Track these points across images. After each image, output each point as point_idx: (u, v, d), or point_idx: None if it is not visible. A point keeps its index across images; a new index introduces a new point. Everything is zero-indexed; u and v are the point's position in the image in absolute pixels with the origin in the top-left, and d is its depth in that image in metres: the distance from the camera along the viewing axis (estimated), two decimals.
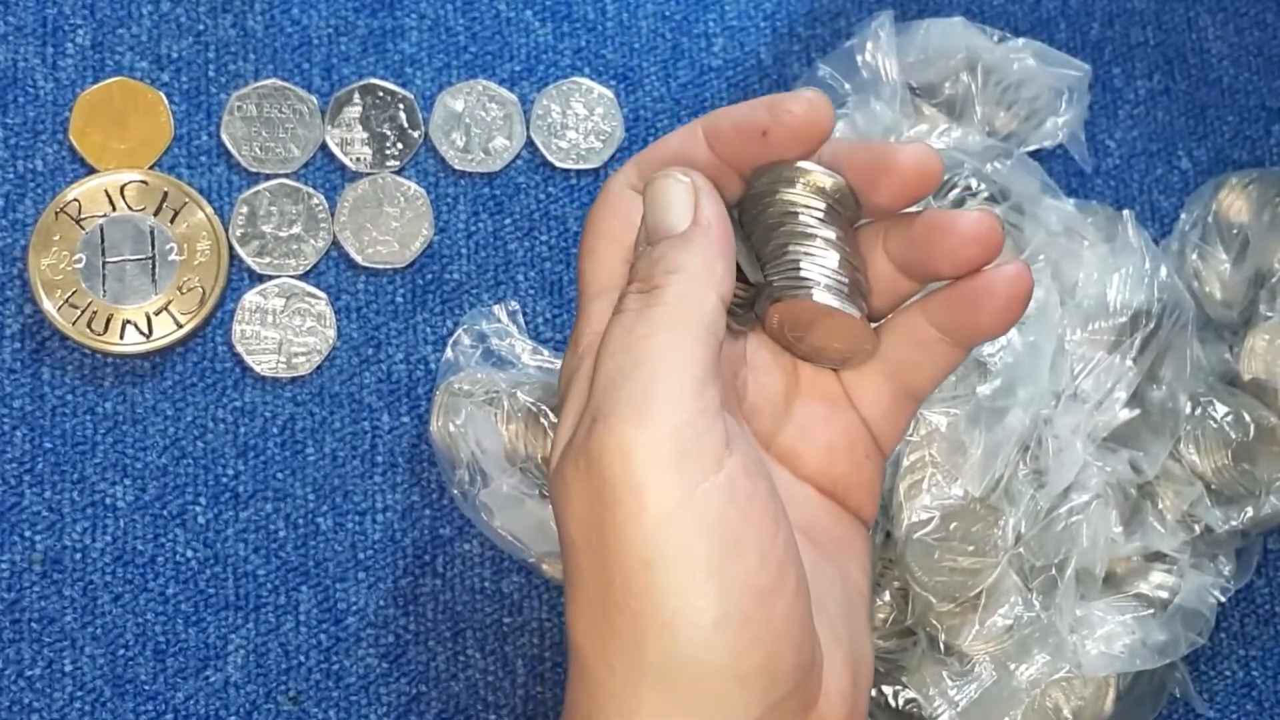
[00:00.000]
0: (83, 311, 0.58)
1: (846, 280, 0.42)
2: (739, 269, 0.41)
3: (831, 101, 0.41)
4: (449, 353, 0.58)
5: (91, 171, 0.59)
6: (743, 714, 0.37)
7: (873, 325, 0.43)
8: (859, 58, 0.57)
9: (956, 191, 0.57)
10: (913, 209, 0.44)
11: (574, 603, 0.38)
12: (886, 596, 0.55)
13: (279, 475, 0.58)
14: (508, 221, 0.61)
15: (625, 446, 0.37)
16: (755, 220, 0.42)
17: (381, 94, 0.61)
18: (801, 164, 0.41)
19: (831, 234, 0.42)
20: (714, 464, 0.37)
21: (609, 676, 0.37)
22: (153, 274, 0.58)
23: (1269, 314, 0.57)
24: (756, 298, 0.42)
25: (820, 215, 0.42)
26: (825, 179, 0.41)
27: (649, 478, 0.36)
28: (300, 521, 0.58)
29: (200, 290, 0.58)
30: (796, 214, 0.42)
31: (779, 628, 0.37)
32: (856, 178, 0.42)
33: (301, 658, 0.57)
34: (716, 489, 0.37)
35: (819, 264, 0.41)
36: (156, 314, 0.58)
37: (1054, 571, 0.53)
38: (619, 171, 0.43)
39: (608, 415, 0.37)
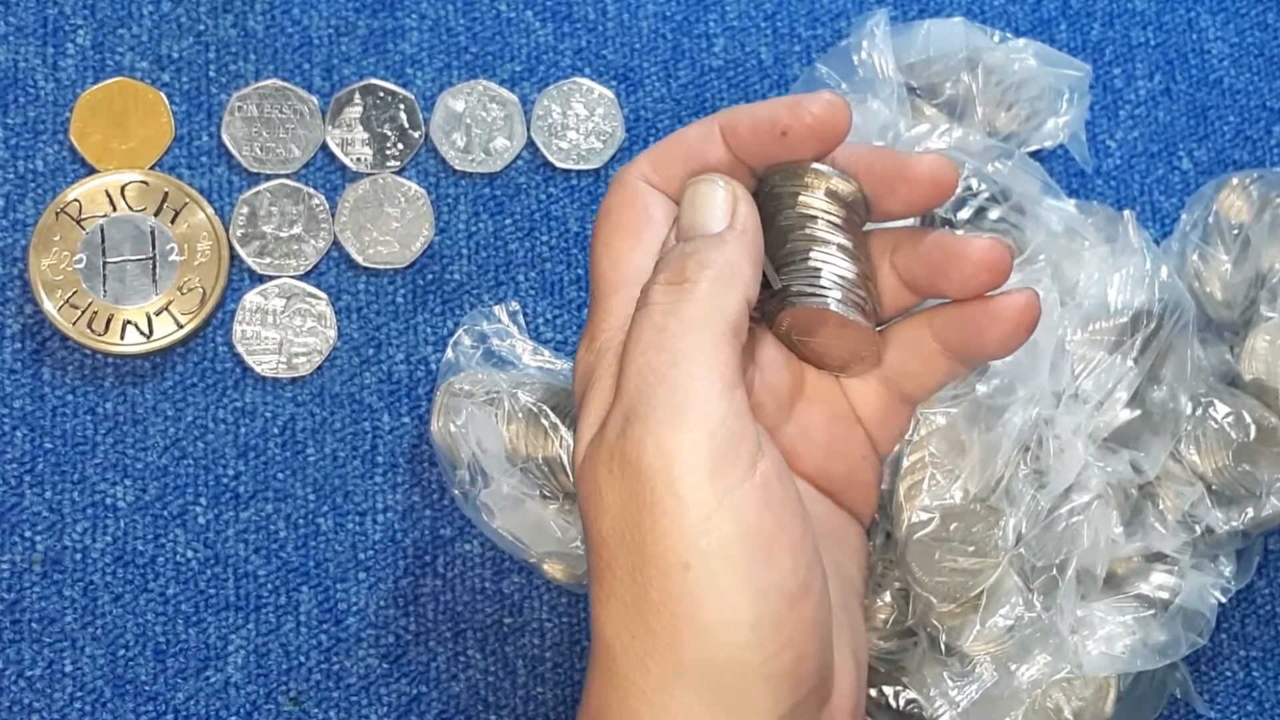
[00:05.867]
0: (83, 312, 0.58)
1: (863, 292, 0.42)
2: None
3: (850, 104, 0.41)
4: (449, 353, 0.58)
5: (92, 172, 0.59)
6: (771, 712, 0.38)
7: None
8: (855, 56, 0.57)
9: (958, 192, 0.57)
10: (907, 221, 0.44)
11: (604, 602, 0.38)
12: (887, 597, 0.55)
13: (279, 475, 0.58)
14: (508, 222, 0.61)
15: (664, 448, 0.37)
16: (770, 221, 0.42)
17: (382, 94, 0.61)
18: (817, 166, 0.41)
19: (848, 241, 0.42)
20: (749, 467, 0.37)
21: (641, 676, 0.38)
22: (153, 274, 0.58)
23: (1270, 314, 0.57)
24: (769, 299, 0.42)
25: (838, 221, 0.42)
26: (842, 184, 0.41)
27: (689, 481, 0.37)
28: (301, 522, 0.58)
29: (201, 290, 0.58)
30: (815, 218, 0.42)
31: (808, 629, 0.38)
32: (871, 183, 0.42)
33: (302, 658, 0.57)
34: (753, 491, 0.37)
35: (838, 273, 0.41)
36: (157, 314, 0.58)
37: (1055, 572, 0.53)
38: (632, 164, 0.43)
39: (644, 416, 0.37)
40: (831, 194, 0.41)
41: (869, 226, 0.43)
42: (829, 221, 0.42)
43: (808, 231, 0.42)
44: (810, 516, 0.42)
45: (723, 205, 0.41)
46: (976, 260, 0.41)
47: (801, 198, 0.42)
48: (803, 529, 0.38)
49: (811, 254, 0.41)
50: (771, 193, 0.42)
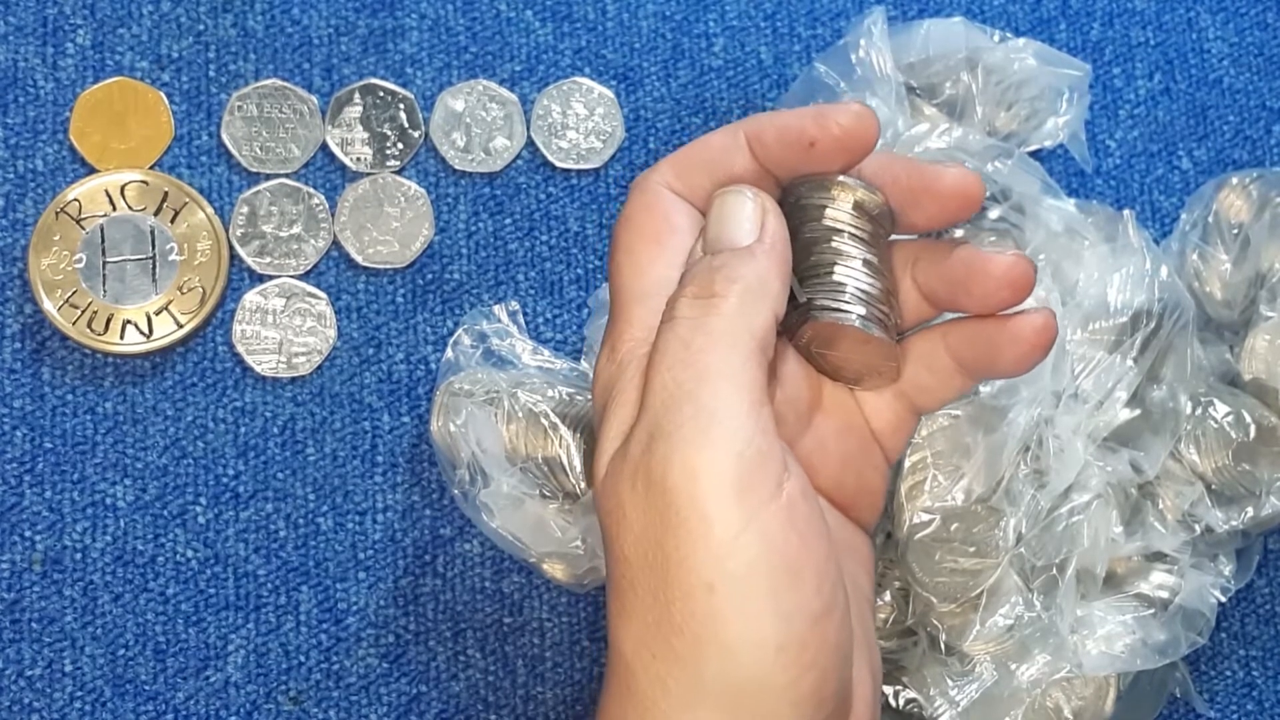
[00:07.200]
0: (83, 311, 0.58)
1: (886, 308, 0.41)
2: None
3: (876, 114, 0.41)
4: (449, 353, 0.58)
5: (92, 171, 0.59)
6: None
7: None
8: (853, 55, 0.57)
9: None
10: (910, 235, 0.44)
11: (624, 618, 0.38)
12: (887, 597, 0.55)
13: (279, 475, 0.58)
14: (508, 221, 0.61)
15: (690, 468, 0.36)
16: (794, 232, 0.42)
17: (382, 94, 0.61)
18: (844, 179, 0.41)
19: (873, 255, 0.41)
20: (776, 487, 0.37)
21: (662, 695, 0.37)
22: (153, 274, 0.58)
23: (1269, 314, 0.57)
24: (790, 311, 0.42)
25: (863, 235, 0.41)
26: (868, 197, 0.41)
27: (715, 502, 0.36)
28: (300, 521, 0.58)
29: (200, 290, 0.58)
30: (841, 231, 0.41)
31: (831, 649, 0.38)
32: (896, 194, 0.41)
33: (302, 658, 0.57)
34: (780, 512, 0.37)
35: (862, 288, 0.41)
36: (157, 314, 0.58)
37: (1055, 572, 0.53)
38: (654, 170, 0.42)
39: (669, 434, 0.37)
40: (858, 207, 0.41)
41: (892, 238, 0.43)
42: (854, 235, 0.41)
43: (833, 245, 0.41)
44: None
45: (752, 218, 0.40)
46: (999, 277, 0.40)
47: (828, 210, 0.41)
48: (826, 549, 0.38)
49: (836, 268, 0.41)
50: (797, 204, 0.42)
